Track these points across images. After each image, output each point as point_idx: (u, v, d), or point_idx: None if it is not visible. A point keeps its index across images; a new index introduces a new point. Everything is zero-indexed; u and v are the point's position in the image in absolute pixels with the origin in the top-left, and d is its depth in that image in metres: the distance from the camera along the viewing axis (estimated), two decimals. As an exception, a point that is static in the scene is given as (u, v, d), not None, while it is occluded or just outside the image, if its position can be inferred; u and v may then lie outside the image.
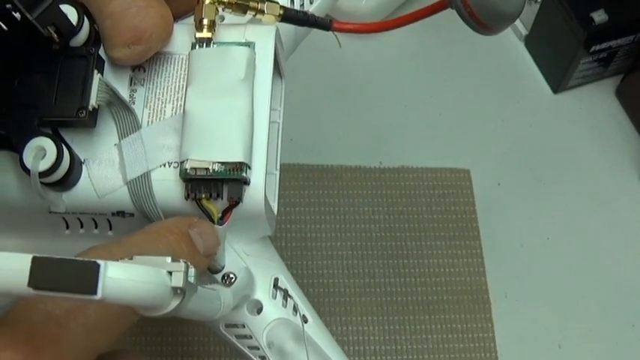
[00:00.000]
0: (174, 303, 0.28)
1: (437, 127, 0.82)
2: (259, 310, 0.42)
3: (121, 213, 0.38)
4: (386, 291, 0.73)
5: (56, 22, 0.34)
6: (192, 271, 0.29)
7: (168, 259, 0.28)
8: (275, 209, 0.44)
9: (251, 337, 0.42)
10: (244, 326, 0.42)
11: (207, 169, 0.36)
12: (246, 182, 0.37)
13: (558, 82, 0.82)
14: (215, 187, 0.37)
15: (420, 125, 0.82)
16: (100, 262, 0.25)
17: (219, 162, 0.36)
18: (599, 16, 0.74)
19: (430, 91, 0.84)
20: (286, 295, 0.43)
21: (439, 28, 0.84)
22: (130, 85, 0.39)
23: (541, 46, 0.84)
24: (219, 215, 0.38)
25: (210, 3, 0.38)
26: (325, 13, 0.49)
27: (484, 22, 0.40)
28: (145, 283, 0.27)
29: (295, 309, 0.43)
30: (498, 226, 0.77)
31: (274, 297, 0.43)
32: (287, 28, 0.44)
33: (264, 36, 0.40)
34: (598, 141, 0.82)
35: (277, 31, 0.41)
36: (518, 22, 0.86)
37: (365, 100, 0.83)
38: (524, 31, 0.86)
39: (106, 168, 0.38)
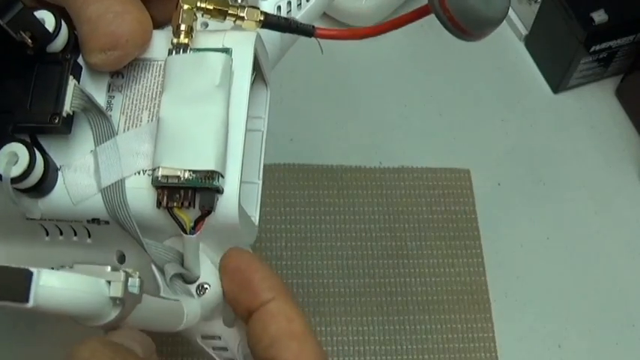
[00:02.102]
0: (114, 313, 0.28)
1: (437, 127, 0.82)
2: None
3: (96, 220, 0.38)
4: (386, 291, 0.73)
5: (30, 27, 0.34)
6: (134, 280, 0.28)
7: (108, 268, 0.28)
8: (256, 220, 0.43)
9: (227, 349, 0.41)
10: (220, 338, 0.41)
11: (178, 176, 0.36)
12: (219, 191, 0.37)
13: (558, 82, 0.82)
14: (187, 196, 0.36)
15: (420, 125, 0.82)
16: (33, 269, 0.25)
17: (190, 170, 0.36)
18: (599, 16, 0.74)
19: (430, 91, 0.84)
20: None
21: (439, 28, 0.84)
22: (108, 91, 0.39)
23: (541, 46, 0.84)
24: (192, 224, 0.37)
25: (188, 9, 0.38)
26: (314, 20, 0.47)
27: (465, 28, 0.38)
28: (81, 292, 0.26)
29: None
30: (498, 226, 0.77)
31: None
32: (273, 36, 0.43)
33: (242, 42, 0.39)
34: (598, 141, 0.81)
35: (258, 37, 0.40)
36: (518, 22, 0.86)
37: (365, 100, 0.83)
38: (524, 31, 0.85)
39: (80, 175, 0.37)
